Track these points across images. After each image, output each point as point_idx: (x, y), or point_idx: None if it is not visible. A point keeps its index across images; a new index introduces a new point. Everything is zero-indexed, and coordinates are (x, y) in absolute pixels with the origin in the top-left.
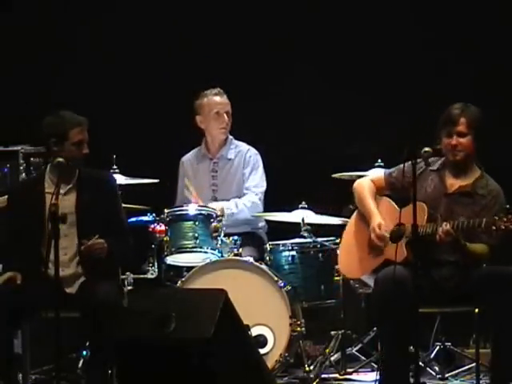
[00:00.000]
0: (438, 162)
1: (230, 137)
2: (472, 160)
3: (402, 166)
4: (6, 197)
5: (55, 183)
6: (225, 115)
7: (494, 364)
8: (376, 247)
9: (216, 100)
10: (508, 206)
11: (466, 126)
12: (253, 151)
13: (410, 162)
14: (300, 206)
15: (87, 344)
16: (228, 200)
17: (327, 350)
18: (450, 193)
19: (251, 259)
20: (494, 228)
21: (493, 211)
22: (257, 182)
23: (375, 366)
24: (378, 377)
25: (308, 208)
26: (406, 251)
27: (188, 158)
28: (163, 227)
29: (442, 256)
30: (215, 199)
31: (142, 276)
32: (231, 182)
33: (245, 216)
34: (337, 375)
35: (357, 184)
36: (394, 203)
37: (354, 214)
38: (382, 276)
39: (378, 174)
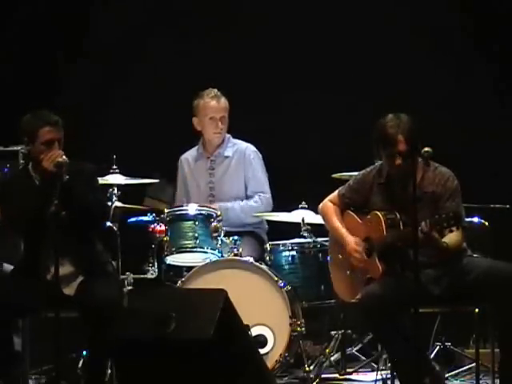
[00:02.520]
0: (383, 173)
1: (228, 135)
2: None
3: (350, 183)
4: None
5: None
6: (219, 121)
7: (505, 365)
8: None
9: (211, 105)
10: (508, 206)
11: (405, 143)
12: (251, 148)
13: (357, 177)
14: (300, 206)
15: (87, 344)
16: (224, 199)
17: (327, 350)
18: (402, 205)
19: (251, 259)
20: (438, 227)
21: (445, 198)
22: (261, 185)
23: (375, 365)
24: (377, 377)
25: (308, 208)
26: (380, 266)
27: (186, 156)
28: (163, 227)
29: (420, 259)
30: (212, 196)
31: (142, 276)
32: (228, 179)
33: (238, 218)
34: (337, 375)
35: (320, 208)
36: (356, 216)
37: (329, 237)
38: (362, 299)
39: (333, 193)
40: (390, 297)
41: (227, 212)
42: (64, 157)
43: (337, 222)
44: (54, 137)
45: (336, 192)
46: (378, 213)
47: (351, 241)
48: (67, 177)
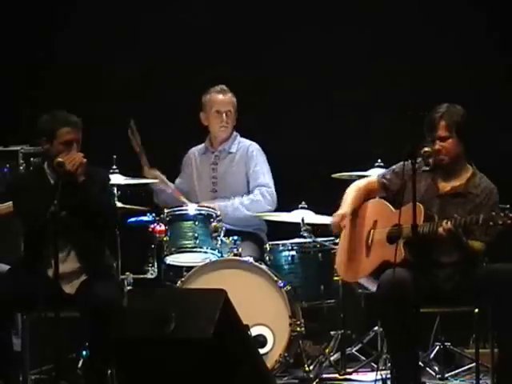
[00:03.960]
0: (428, 163)
1: (235, 133)
2: (461, 160)
3: (394, 167)
4: (9, 203)
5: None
6: (224, 114)
7: (501, 365)
8: (373, 248)
9: (217, 98)
10: (508, 206)
11: (446, 129)
12: (255, 146)
13: (402, 163)
14: (300, 206)
15: (87, 344)
16: (227, 194)
17: (327, 350)
18: (442, 194)
19: (251, 259)
20: (491, 224)
21: (487, 208)
22: (262, 179)
23: (375, 365)
24: (377, 377)
25: (308, 208)
26: (404, 252)
27: (193, 151)
28: (163, 227)
29: (440, 257)
30: (215, 191)
31: (141, 276)
32: (231, 174)
33: (242, 214)
34: (337, 375)
35: (354, 183)
36: (388, 204)
37: (347, 216)
38: (384, 279)
39: (372, 177)
40: (410, 286)
41: (227, 209)
42: (83, 159)
43: (350, 196)
44: (73, 137)
45: (374, 175)
46: (420, 204)
47: (343, 212)
48: (83, 178)
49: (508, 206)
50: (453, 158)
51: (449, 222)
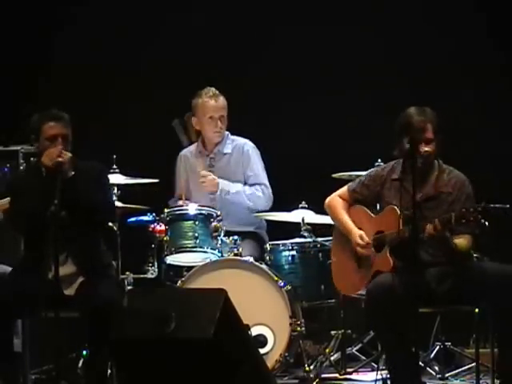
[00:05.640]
0: (396, 170)
1: (226, 132)
2: (433, 161)
3: (363, 178)
4: (8, 199)
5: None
6: (218, 120)
7: (502, 365)
8: (364, 259)
9: (210, 104)
10: (508, 206)
11: (433, 131)
12: (250, 144)
13: (371, 171)
14: (300, 205)
15: (87, 344)
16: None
17: (327, 350)
18: (416, 201)
19: (251, 259)
20: (463, 221)
21: (461, 202)
22: (260, 179)
23: (375, 365)
24: (377, 377)
25: (308, 208)
26: (391, 259)
27: (185, 153)
28: (163, 227)
29: (427, 257)
30: (213, 193)
31: (142, 276)
32: (229, 175)
33: (241, 198)
34: (337, 375)
35: (327, 202)
36: (368, 211)
37: (334, 232)
38: (371, 287)
39: (342, 189)
40: (397, 290)
41: (229, 187)
42: (66, 153)
43: (344, 216)
44: (57, 132)
45: (345, 187)
46: (396, 208)
47: (357, 234)
48: (73, 173)
49: (508, 206)
50: (432, 160)
51: (430, 225)
